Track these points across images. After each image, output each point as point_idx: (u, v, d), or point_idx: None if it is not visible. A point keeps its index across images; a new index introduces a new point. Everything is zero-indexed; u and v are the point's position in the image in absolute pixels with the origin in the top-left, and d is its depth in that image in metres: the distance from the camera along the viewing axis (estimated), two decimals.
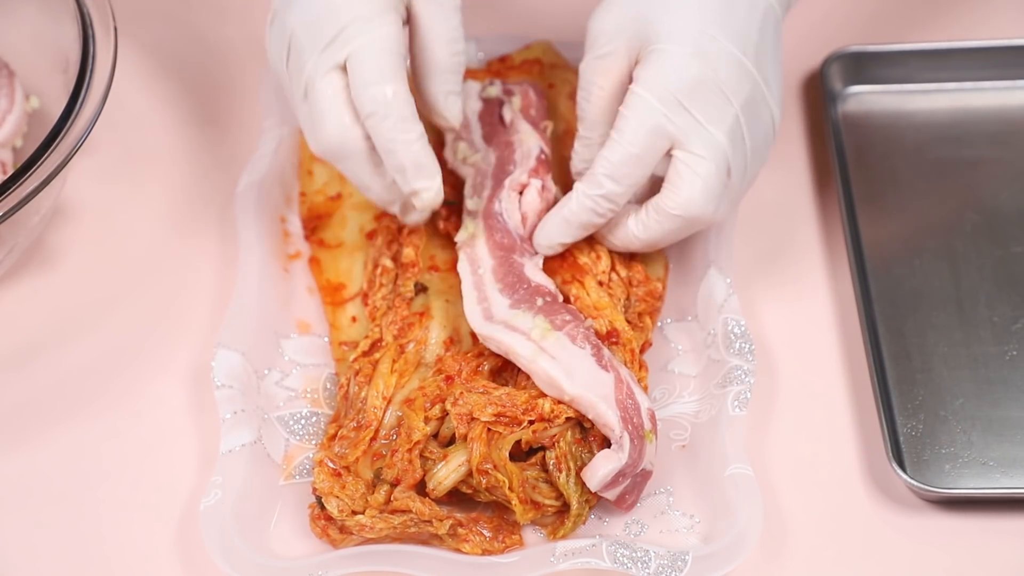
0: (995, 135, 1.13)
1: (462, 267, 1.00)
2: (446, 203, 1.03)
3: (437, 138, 1.06)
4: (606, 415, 0.90)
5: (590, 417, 0.91)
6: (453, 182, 1.06)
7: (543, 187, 1.01)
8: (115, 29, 1.03)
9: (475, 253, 1.00)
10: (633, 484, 0.90)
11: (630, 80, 0.95)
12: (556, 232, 0.98)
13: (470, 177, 1.05)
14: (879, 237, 1.07)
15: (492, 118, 1.08)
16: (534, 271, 0.98)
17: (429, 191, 0.95)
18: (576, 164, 1.00)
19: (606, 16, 0.96)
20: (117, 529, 0.95)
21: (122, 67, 1.04)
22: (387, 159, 0.94)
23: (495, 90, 1.09)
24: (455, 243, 1.02)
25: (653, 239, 0.97)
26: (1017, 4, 1.22)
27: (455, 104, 0.98)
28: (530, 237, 1.00)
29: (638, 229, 0.97)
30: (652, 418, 0.91)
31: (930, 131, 1.14)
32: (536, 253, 1.00)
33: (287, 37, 0.96)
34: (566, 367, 0.92)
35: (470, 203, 1.03)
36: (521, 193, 1.02)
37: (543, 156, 1.03)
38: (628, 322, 0.99)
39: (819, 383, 1.00)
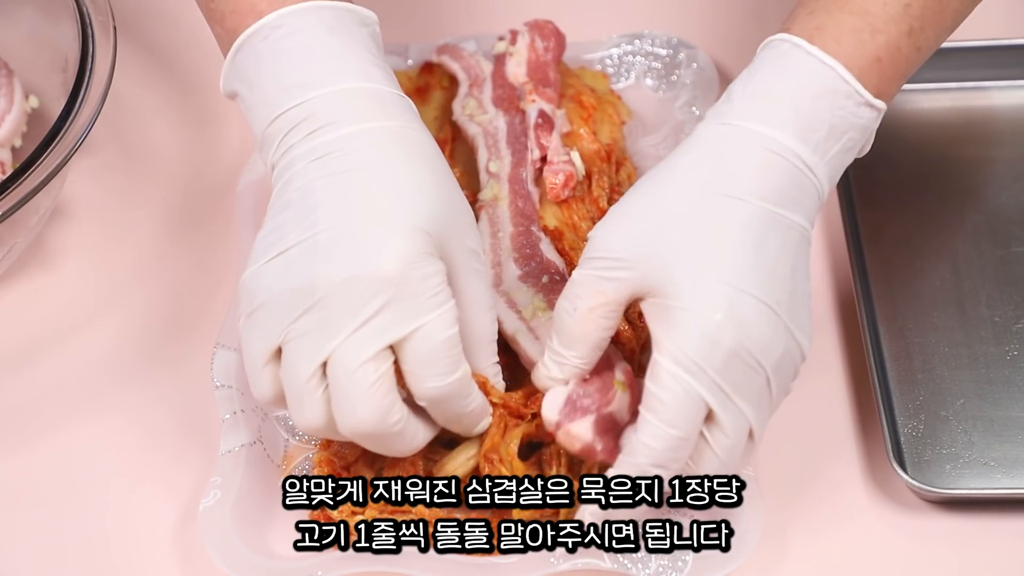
0: (996, 135, 1.13)
1: (482, 227, 1.01)
2: None
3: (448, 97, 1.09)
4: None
5: None
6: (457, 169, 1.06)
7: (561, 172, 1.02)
8: (114, 29, 1.03)
9: (496, 215, 1.01)
10: (602, 427, 0.89)
11: (627, 308, 0.87)
12: (590, 517, 0.87)
13: (480, 137, 1.05)
14: (879, 237, 1.07)
15: (504, 79, 1.09)
16: (548, 247, 0.99)
17: (486, 425, 0.90)
18: (541, 380, 0.89)
19: (617, 234, 0.86)
20: (116, 529, 0.95)
21: (122, 67, 1.04)
22: (448, 425, 0.89)
23: (503, 45, 1.10)
24: (476, 199, 1.03)
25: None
26: (1017, 4, 1.22)
27: (499, 374, 0.92)
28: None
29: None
30: (628, 374, 0.91)
31: (930, 131, 1.14)
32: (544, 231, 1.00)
33: (309, 296, 0.83)
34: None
35: (492, 165, 1.03)
36: (540, 168, 1.03)
37: (539, 121, 1.04)
38: (628, 321, 0.98)
39: (819, 383, 1.00)
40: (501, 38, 1.12)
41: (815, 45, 0.87)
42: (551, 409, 0.89)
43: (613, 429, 0.89)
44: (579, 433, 0.88)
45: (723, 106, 0.88)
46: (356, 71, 0.88)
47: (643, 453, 0.84)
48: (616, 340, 0.95)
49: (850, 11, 0.88)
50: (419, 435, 0.88)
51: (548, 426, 0.89)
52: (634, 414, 0.88)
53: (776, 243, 0.85)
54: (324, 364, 0.84)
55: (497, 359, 0.92)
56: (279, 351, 0.85)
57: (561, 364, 0.88)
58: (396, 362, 0.84)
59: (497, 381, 0.91)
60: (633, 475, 0.85)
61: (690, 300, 0.83)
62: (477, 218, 1.02)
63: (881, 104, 0.88)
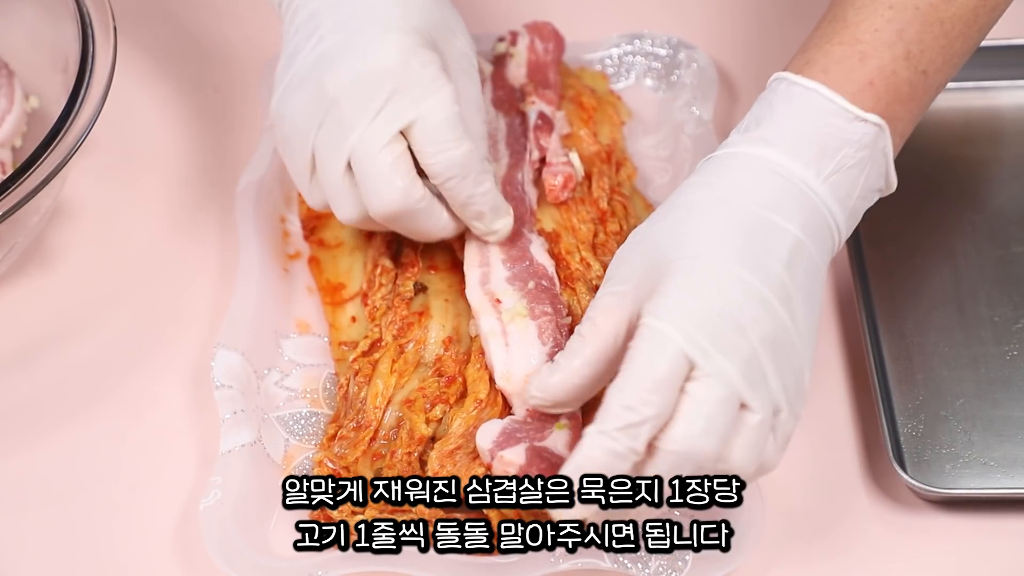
0: (996, 135, 1.13)
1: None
2: None
3: None
4: (517, 411, 0.92)
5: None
6: None
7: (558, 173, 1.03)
8: (115, 29, 1.03)
9: None
10: (537, 454, 0.89)
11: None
12: (574, 470, 0.83)
13: None
14: (879, 237, 1.07)
15: (504, 80, 1.09)
16: (539, 250, 0.99)
17: (507, 227, 0.98)
18: (532, 391, 0.89)
19: (626, 253, 0.89)
20: (117, 529, 0.95)
21: (122, 67, 1.04)
22: (465, 211, 0.96)
23: (503, 47, 1.10)
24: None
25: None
26: (1017, 4, 1.22)
27: (492, 172, 0.98)
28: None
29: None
30: (574, 417, 0.91)
31: (930, 131, 1.14)
32: (539, 235, 1.01)
33: (324, 104, 0.93)
34: (512, 358, 0.93)
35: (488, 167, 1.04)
36: (539, 169, 1.03)
37: (539, 123, 1.05)
38: None
39: (820, 383, 1.00)
40: (501, 39, 1.12)
41: (803, 75, 0.89)
42: (485, 439, 0.90)
43: (550, 459, 0.89)
44: (512, 458, 0.89)
45: (720, 149, 0.91)
46: None
47: (613, 397, 0.82)
48: None
49: (839, 42, 0.90)
50: (444, 216, 0.96)
51: (482, 455, 0.90)
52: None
53: (766, 237, 0.85)
54: (350, 163, 0.93)
55: (489, 157, 0.99)
56: (314, 163, 0.95)
57: (559, 372, 0.87)
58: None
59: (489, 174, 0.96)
60: (607, 427, 0.82)
61: (675, 275, 0.84)
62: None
63: (876, 118, 0.88)
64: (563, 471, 0.83)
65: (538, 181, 1.04)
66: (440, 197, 0.96)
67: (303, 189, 0.97)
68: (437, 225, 0.96)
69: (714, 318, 0.83)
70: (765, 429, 0.84)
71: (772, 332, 0.84)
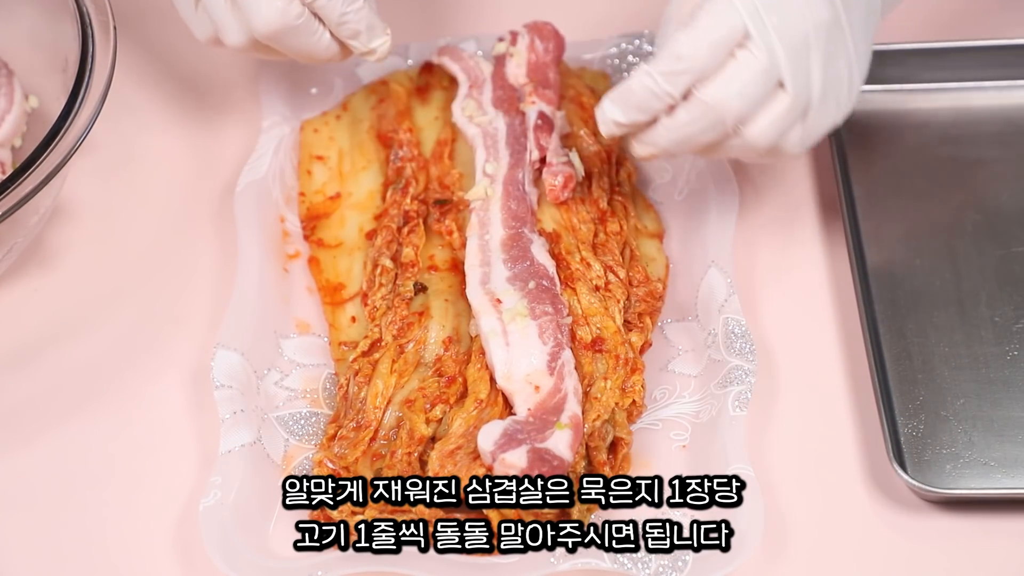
0: (996, 135, 1.13)
1: (471, 228, 1.01)
2: (438, 202, 1.04)
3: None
4: (519, 410, 0.92)
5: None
6: (446, 186, 1.06)
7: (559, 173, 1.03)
8: (114, 28, 1.03)
9: (487, 216, 1.01)
10: (539, 456, 0.89)
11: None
12: (610, 108, 0.94)
13: (478, 139, 1.05)
14: (879, 237, 1.07)
15: (504, 80, 1.09)
16: (539, 250, 0.99)
17: (384, 45, 1.04)
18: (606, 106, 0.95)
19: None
20: (116, 529, 0.95)
21: (122, 67, 1.04)
22: (340, 30, 1.02)
23: (503, 47, 1.10)
24: (468, 202, 1.03)
25: (679, 129, 0.92)
26: (1017, 4, 1.22)
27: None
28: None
29: (666, 128, 0.93)
30: (574, 418, 0.91)
31: (930, 131, 1.14)
32: (540, 234, 1.00)
33: None
34: (513, 357, 0.93)
35: (488, 167, 1.04)
36: (539, 169, 1.03)
37: (539, 123, 1.04)
38: (628, 322, 0.99)
39: (820, 383, 1.00)
40: (501, 39, 1.12)
41: None
42: (486, 440, 0.90)
43: (551, 461, 0.89)
44: (514, 461, 0.89)
45: None
46: None
47: (669, 46, 0.91)
48: (600, 348, 0.95)
49: None
50: (326, 36, 1.02)
51: (484, 457, 0.90)
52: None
53: None
54: None
55: None
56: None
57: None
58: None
59: None
60: (654, 69, 0.91)
61: None
62: (466, 218, 1.03)
63: None
64: (605, 98, 0.93)
65: (538, 181, 1.04)
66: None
67: (189, 20, 1.04)
68: (319, 45, 1.02)
69: (779, 0, 0.90)
70: (794, 113, 0.92)
71: (829, 27, 0.91)
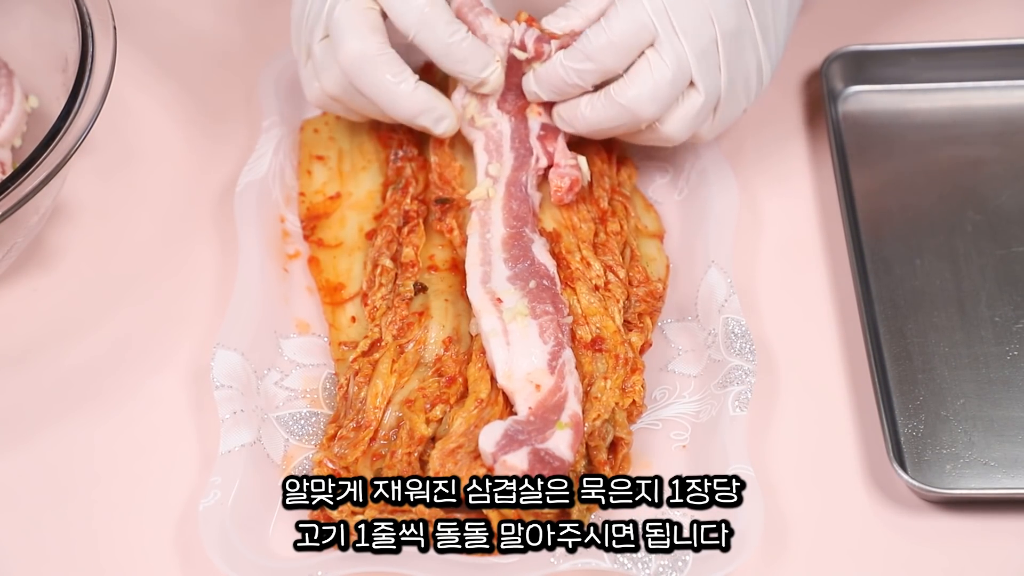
0: (996, 134, 1.13)
1: (472, 227, 1.01)
2: (439, 201, 1.04)
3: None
4: (520, 409, 0.91)
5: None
6: (446, 179, 1.06)
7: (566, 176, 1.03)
8: (114, 28, 1.03)
9: (488, 216, 1.01)
10: (539, 458, 0.89)
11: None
12: (534, 84, 1.02)
13: (480, 143, 1.05)
14: (879, 237, 1.07)
15: (507, 82, 1.08)
16: (540, 250, 0.99)
17: (496, 73, 1.02)
18: (549, 21, 1.02)
19: None
20: (116, 529, 0.95)
21: (122, 67, 1.04)
22: (446, 61, 1.01)
23: (522, 54, 1.10)
24: (469, 202, 1.03)
25: (597, 123, 1.00)
26: (1017, 4, 1.22)
27: (462, 26, 1.02)
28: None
29: (587, 109, 1.00)
30: (574, 417, 0.91)
31: (930, 131, 1.14)
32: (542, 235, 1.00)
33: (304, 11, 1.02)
34: (513, 356, 0.93)
35: (491, 168, 1.03)
36: (545, 175, 1.03)
37: (542, 133, 1.04)
38: (628, 322, 0.99)
39: (820, 383, 1.00)
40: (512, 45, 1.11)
41: None
42: (487, 442, 0.90)
43: (551, 462, 0.89)
44: (515, 463, 0.89)
45: None
46: None
47: (584, 43, 0.97)
48: (600, 348, 0.95)
49: None
50: (411, 82, 1.01)
51: (485, 459, 0.90)
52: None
53: None
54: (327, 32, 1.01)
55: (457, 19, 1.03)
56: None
57: (567, 17, 1.02)
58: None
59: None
60: (568, 63, 0.98)
61: None
62: (467, 217, 1.03)
63: None
64: (531, 72, 1.01)
65: (542, 185, 1.04)
66: (423, 80, 1.02)
67: (303, 79, 1.04)
68: (405, 91, 1.00)
69: (688, 2, 0.96)
70: (705, 111, 0.99)
71: (736, 29, 0.97)
